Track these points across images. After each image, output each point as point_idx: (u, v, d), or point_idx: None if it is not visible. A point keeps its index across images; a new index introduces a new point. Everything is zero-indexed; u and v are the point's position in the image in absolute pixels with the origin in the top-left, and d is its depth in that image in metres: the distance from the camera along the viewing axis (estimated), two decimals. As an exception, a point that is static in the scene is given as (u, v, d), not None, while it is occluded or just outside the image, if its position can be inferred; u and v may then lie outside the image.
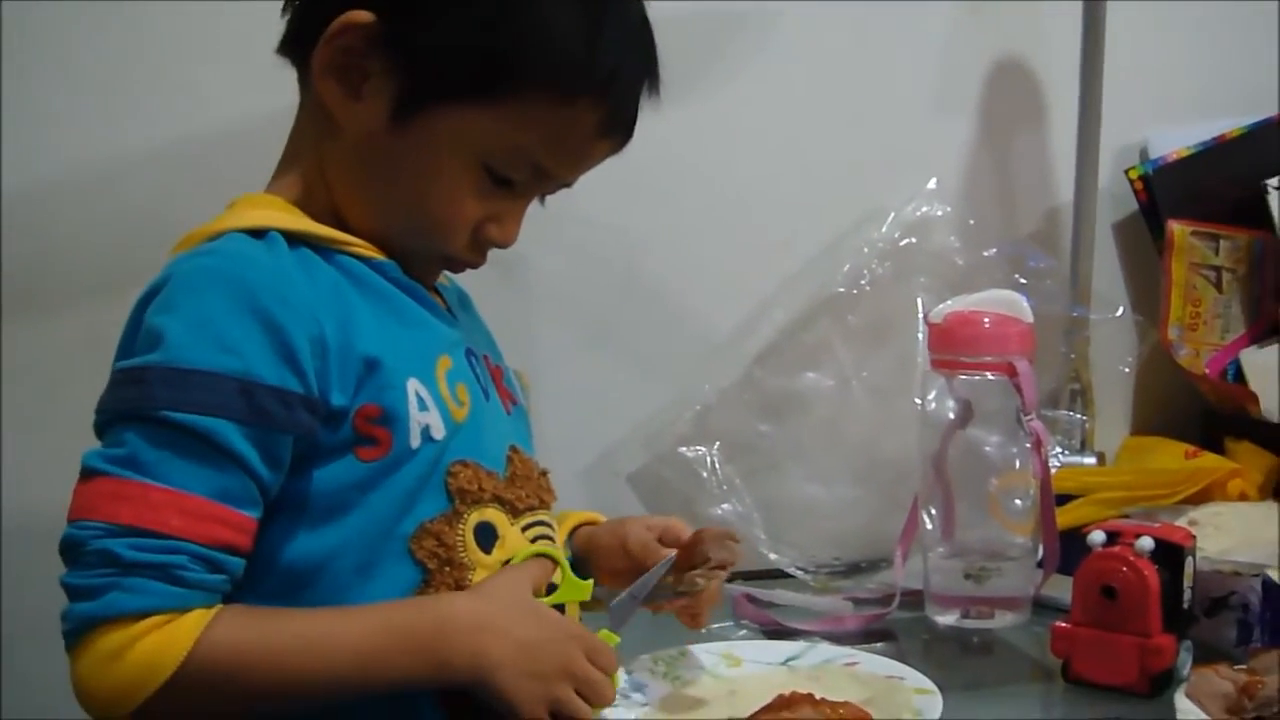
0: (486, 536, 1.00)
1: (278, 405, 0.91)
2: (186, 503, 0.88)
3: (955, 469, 1.35)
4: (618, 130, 1.02)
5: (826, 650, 1.18)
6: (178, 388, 0.89)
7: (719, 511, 1.48)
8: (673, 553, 1.10)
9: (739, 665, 1.16)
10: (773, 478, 1.52)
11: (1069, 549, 1.23)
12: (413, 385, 0.97)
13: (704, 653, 1.17)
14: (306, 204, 1.02)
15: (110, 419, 0.91)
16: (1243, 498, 1.40)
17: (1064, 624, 1.13)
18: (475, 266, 1.07)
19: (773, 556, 1.47)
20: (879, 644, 1.27)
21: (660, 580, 1.08)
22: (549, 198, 1.07)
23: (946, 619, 1.32)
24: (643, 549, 1.12)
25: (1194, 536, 1.14)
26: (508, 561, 1.00)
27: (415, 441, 0.96)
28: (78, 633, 0.87)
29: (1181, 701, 1.00)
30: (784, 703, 1.04)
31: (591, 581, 1.03)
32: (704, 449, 1.51)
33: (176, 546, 0.88)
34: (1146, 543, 1.10)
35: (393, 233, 1.02)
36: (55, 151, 1.39)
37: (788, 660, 1.16)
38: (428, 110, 0.98)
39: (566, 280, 1.53)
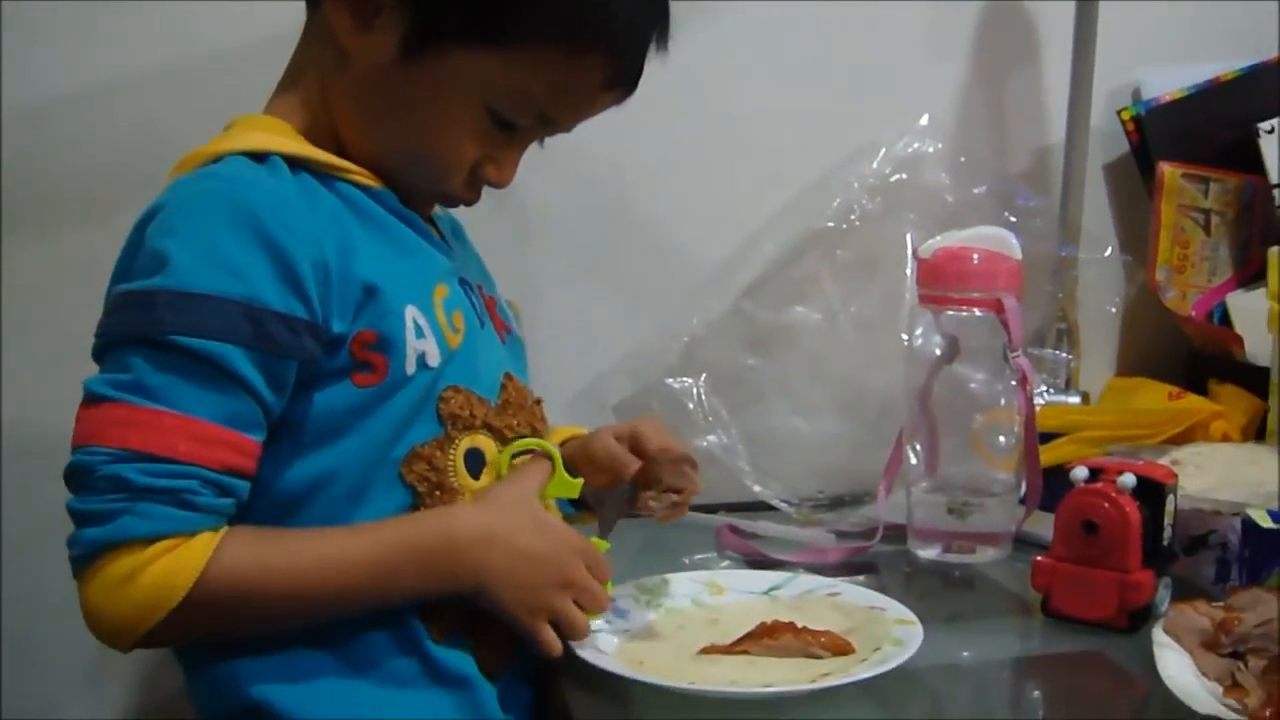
0: (475, 462, 1.01)
1: (283, 330, 0.91)
2: (195, 428, 0.89)
3: (940, 405, 1.36)
4: (624, 83, 1.03)
5: (809, 580, 1.19)
6: (185, 312, 0.89)
7: (704, 443, 1.48)
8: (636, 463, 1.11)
9: (722, 594, 1.17)
10: (758, 410, 1.52)
11: (1051, 486, 1.24)
12: (410, 312, 0.97)
13: (687, 581, 1.18)
14: (307, 129, 1.02)
15: (113, 342, 0.91)
16: (1225, 439, 1.41)
17: (1045, 558, 1.14)
18: (469, 204, 1.07)
19: (757, 489, 1.48)
20: (861, 576, 1.28)
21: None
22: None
23: (928, 553, 1.33)
24: (610, 459, 1.11)
25: (1176, 475, 1.15)
26: (514, 457, 1.02)
27: (411, 368, 0.97)
28: (87, 558, 0.88)
29: (1159, 636, 1.02)
30: (766, 630, 1.06)
31: (581, 481, 1.05)
32: (690, 381, 1.51)
33: (186, 471, 0.88)
34: (1128, 479, 1.11)
35: (391, 165, 1.02)
36: (49, 71, 1.38)
37: (770, 590, 1.17)
38: (437, 49, 0.98)
39: (557, 211, 1.53)
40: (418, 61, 0.98)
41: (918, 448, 1.36)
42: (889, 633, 1.06)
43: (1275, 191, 1.57)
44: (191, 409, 0.89)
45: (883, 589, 1.20)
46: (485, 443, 1.02)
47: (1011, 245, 1.30)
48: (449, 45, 0.98)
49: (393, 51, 0.98)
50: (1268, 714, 0.89)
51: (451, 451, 0.99)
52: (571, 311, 1.52)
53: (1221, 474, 1.27)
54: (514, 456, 1.04)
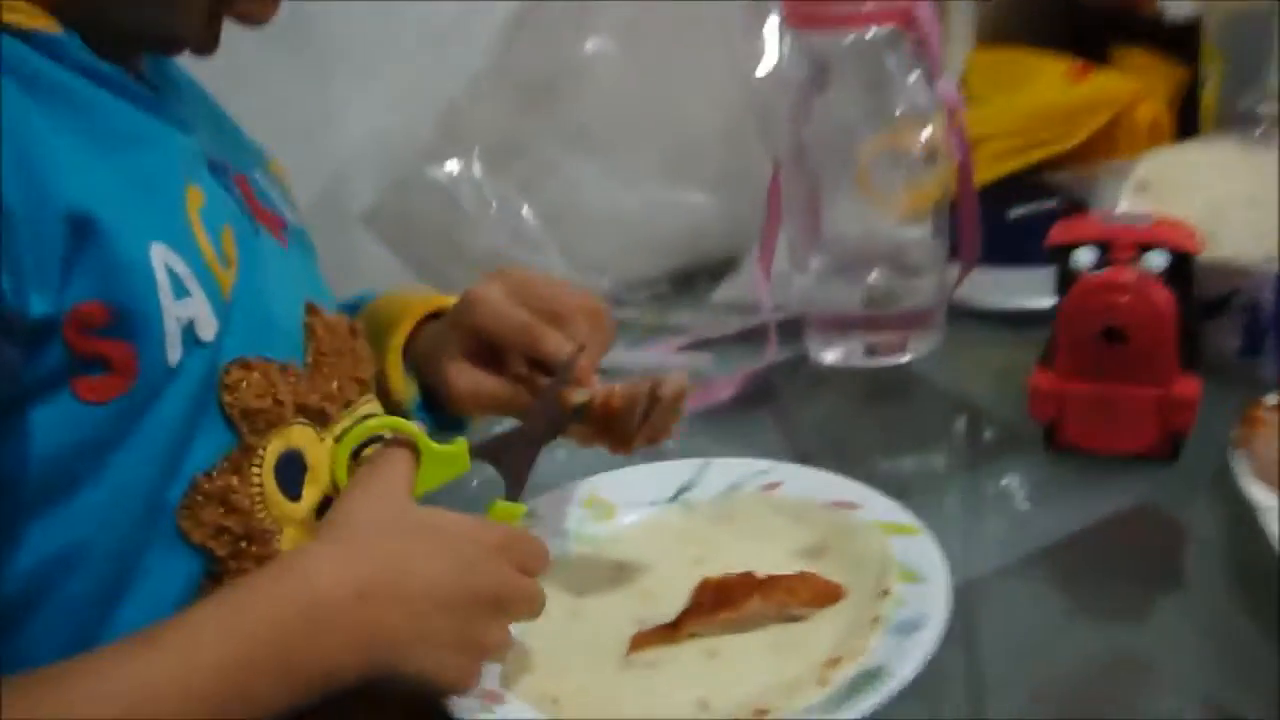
0: (292, 473, 0.63)
1: None
2: None
3: (816, 146, 1.00)
4: None
5: (726, 469, 0.83)
6: None
7: (496, 243, 1.10)
8: (570, 349, 0.73)
9: (613, 516, 0.81)
10: (556, 182, 1.14)
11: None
12: (159, 254, 0.57)
13: (558, 506, 0.81)
14: None
15: None
16: (1155, 127, 1.11)
17: (1046, 376, 0.83)
18: (205, 52, 0.65)
19: (576, 289, 1.11)
20: (760, 410, 0.95)
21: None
22: None
23: (833, 355, 1.00)
24: (519, 332, 0.74)
25: (1201, 234, 0.84)
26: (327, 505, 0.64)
27: (174, 352, 0.58)
28: None
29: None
30: (716, 596, 0.71)
31: (464, 442, 0.67)
32: (459, 162, 1.11)
33: None
34: (1158, 260, 0.79)
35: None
36: None
37: (679, 494, 0.82)
38: None
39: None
40: None
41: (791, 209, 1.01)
42: (879, 552, 0.73)
43: None
44: None
45: (794, 430, 0.87)
46: (302, 437, 0.63)
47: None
48: None
49: None
50: None
51: (255, 470, 0.60)
52: (281, 91, 1.07)
53: (1204, 191, 0.97)
54: (357, 451, 0.66)
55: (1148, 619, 0.74)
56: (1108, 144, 1.10)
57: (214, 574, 0.59)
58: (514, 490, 0.68)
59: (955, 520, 0.78)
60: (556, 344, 0.72)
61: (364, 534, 0.60)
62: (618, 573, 0.77)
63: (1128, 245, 0.80)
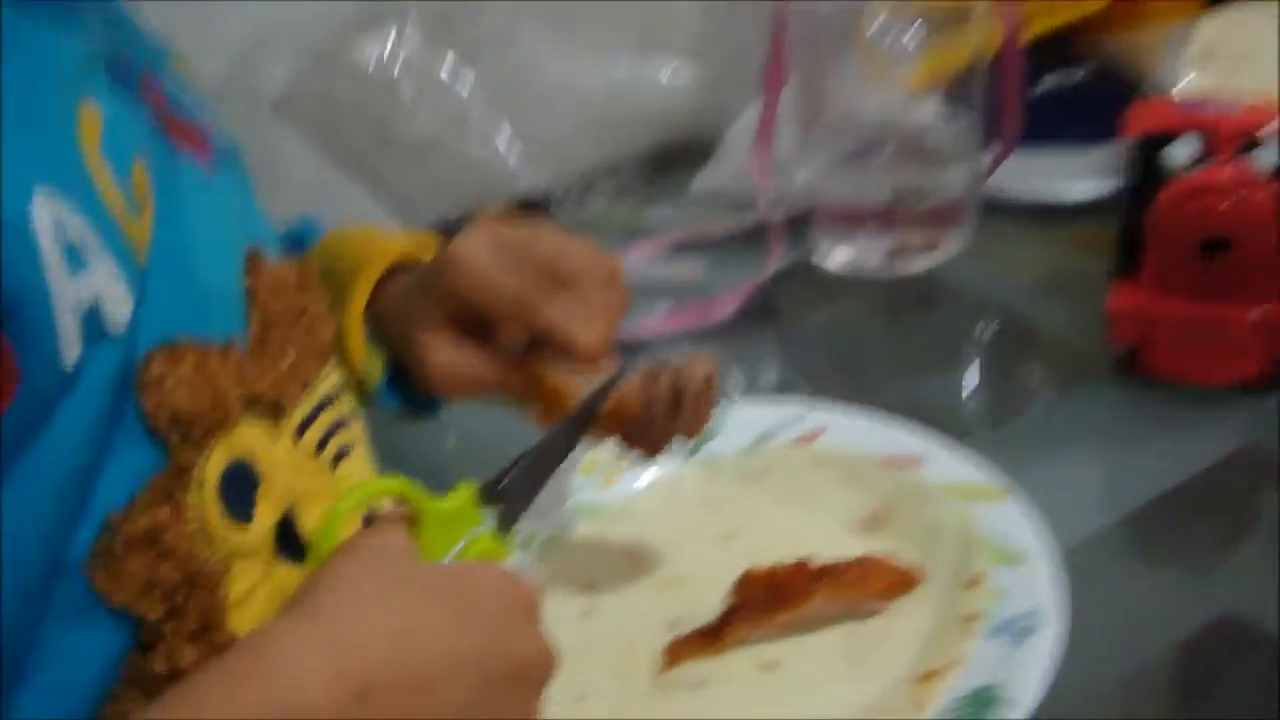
0: (241, 490, 0.47)
1: None
2: None
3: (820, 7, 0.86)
4: None
5: (752, 414, 0.70)
6: None
7: (436, 131, 0.94)
8: (589, 337, 0.58)
9: (618, 479, 0.68)
10: (505, 55, 0.97)
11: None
12: (43, 209, 0.40)
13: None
14: None
15: None
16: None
17: (1126, 293, 0.70)
18: None
19: (524, 183, 0.95)
20: (762, 328, 0.81)
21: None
22: None
23: (840, 259, 0.86)
24: (517, 302, 0.58)
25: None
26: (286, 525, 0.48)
27: (72, 350, 0.41)
28: None
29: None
30: (767, 592, 0.59)
31: (469, 489, 0.49)
32: (391, 37, 0.93)
33: None
34: (1267, 155, 0.66)
35: None
36: None
37: (698, 446, 0.68)
38: None
39: None
40: None
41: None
42: (962, 525, 0.61)
43: None
44: None
45: (804, 352, 0.75)
46: (250, 440, 0.47)
47: None
48: None
49: None
50: None
51: (191, 498, 0.45)
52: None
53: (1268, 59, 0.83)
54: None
55: (1257, 578, 0.63)
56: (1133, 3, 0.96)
57: (144, 643, 0.44)
58: (509, 522, 0.52)
59: (1023, 472, 0.64)
60: (561, 318, 0.57)
61: (355, 605, 0.43)
62: (633, 556, 0.64)
63: (1230, 137, 0.67)
